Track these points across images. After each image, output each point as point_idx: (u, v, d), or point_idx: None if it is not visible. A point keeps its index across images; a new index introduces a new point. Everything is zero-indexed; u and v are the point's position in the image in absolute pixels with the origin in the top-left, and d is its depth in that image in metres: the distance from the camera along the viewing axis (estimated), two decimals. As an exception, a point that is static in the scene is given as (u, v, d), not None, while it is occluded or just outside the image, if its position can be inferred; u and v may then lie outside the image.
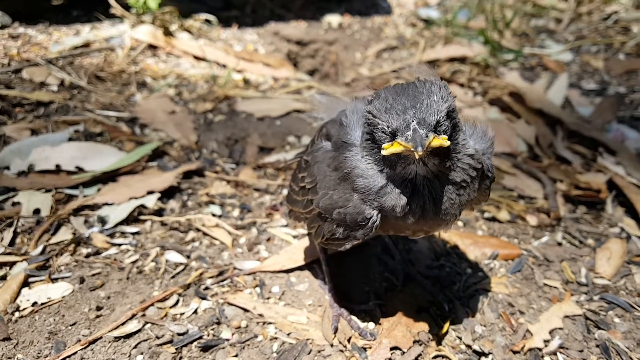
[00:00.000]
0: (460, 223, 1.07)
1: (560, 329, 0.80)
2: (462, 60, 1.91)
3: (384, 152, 0.59)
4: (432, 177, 0.62)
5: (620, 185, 1.11)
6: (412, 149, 0.55)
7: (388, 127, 0.59)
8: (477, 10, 2.33)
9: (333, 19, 2.40)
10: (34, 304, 0.84)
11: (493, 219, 1.09)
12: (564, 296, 0.86)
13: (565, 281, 0.90)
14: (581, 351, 0.76)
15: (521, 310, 0.84)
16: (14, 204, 1.05)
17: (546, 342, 0.77)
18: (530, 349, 0.76)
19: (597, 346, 0.77)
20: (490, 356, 0.76)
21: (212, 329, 0.80)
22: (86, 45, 1.84)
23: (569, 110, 1.51)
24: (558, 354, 0.76)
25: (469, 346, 0.77)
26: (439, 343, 0.77)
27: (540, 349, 0.76)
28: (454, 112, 0.62)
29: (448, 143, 0.58)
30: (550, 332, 0.79)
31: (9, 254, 0.92)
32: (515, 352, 0.76)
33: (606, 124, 1.40)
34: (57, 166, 1.16)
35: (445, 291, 0.87)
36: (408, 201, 0.62)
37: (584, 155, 1.30)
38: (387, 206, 0.63)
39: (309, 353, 0.76)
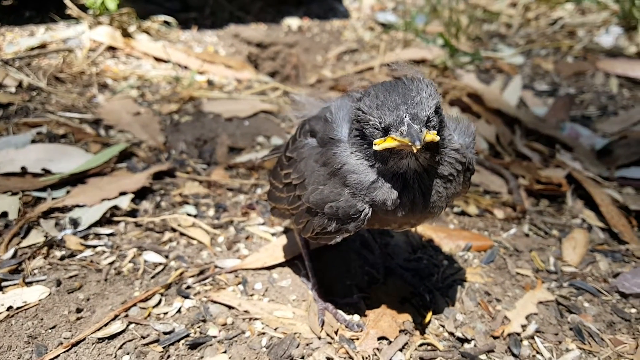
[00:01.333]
0: (431, 218, 1.10)
1: (536, 314, 0.84)
2: (422, 62, 1.96)
3: (376, 148, 0.61)
4: (422, 171, 0.64)
5: (579, 179, 1.17)
6: (409, 144, 0.56)
7: (380, 123, 0.60)
8: (432, 16, 2.40)
9: (292, 22, 2.42)
10: (9, 308, 0.81)
11: (463, 213, 1.13)
12: (536, 284, 0.91)
13: (536, 270, 0.95)
14: (556, 334, 0.80)
15: (497, 298, 0.87)
16: (-21, 207, 1.01)
17: (523, 327, 0.81)
18: (509, 334, 0.80)
19: (571, 329, 0.81)
20: (473, 342, 0.79)
21: (199, 327, 0.80)
22: (43, 46, 1.78)
23: (524, 110, 1.58)
24: (535, 337, 0.79)
25: (451, 333, 0.80)
26: (423, 332, 0.79)
27: (518, 334, 0.80)
28: (440, 108, 0.64)
29: (438, 138, 0.60)
30: (527, 318, 0.83)
31: (-20, 258, 0.89)
32: (495, 338, 0.79)
33: (560, 122, 1.47)
34: (23, 168, 1.13)
35: (424, 282, 0.90)
36: (399, 195, 0.64)
37: (541, 152, 1.37)
38: (378, 200, 0.65)
39: (298, 346, 0.77)
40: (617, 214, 1.06)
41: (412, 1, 2.82)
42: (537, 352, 0.77)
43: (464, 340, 0.79)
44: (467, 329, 0.80)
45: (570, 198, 1.16)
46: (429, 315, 0.82)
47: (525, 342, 0.79)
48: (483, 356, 0.76)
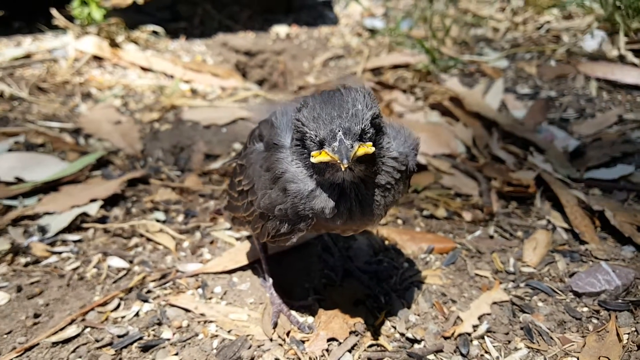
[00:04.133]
0: (399, 221, 1.11)
1: (489, 314, 0.84)
2: (406, 67, 1.97)
3: (312, 160, 0.62)
4: (358, 182, 0.65)
5: (547, 181, 1.17)
6: (338, 161, 0.58)
7: (316, 136, 0.61)
8: (420, 20, 2.41)
9: (281, 29, 2.44)
10: (-32, 314, 0.83)
11: (431, 216, 1.13)
12: (494, 285, 0.91)
13: (495, 271, 0.95)
14: (507, 334, 0.81)
15: (453, 299, 0.88)
16: (-51, 215, 1.03)
17: (475, 327, 0.82)
18: (460, 334, 0.80)
19: (522, 329, 0.81)
20: (423, 342, 0.79)
21: (153, 330, 0.81)
22: (28, 56, 1.82)
23: (503, 113, 1.58)
24: (485, 337, 0.80)
25: (402, 334, 0.80)
26: (374, 333, 0.80)
27: (469, 334, 0.80)
28: (378, 118, 0.65)
29: (373, 150, 0.61)
30: (479, 318, 0.83)
31: (-57, 265, 0.91)
32: (446, 338, 0.80)
33: (537, 125, 1.48)
34: (-5, 177, 1.15)
35: (382, 285, 0.91)
36: (336, 204, 0.65)
37: (517, 154, 1.37)
38: (316, 208, 0.66)
39: (249, 348, 0.78)
40: (581, 214, 1.06)
41: (403, 7, 2.84)
42: (486, 352, 0.78)
43: (414, 341, 0.79)
44: (418, 330, 0.81)
45: (539, 200, 1.16)
46: (382, 316, 0.83)
47: (475, 342, 0.79)
48: (432, 356, 0.77)
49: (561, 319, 0.83)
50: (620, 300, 0.85)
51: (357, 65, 2.08)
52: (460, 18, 2.48)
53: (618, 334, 0.77)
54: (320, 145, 0.61)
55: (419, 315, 0.85)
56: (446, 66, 1.92)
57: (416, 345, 0.79)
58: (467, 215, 1.13)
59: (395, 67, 1.99)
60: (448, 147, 1.44)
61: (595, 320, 0.83)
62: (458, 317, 0.84)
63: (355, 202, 0.66)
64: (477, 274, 0.94)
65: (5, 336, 0.79)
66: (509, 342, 0.79)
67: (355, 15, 2.71)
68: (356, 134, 0.60)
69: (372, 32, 2.41)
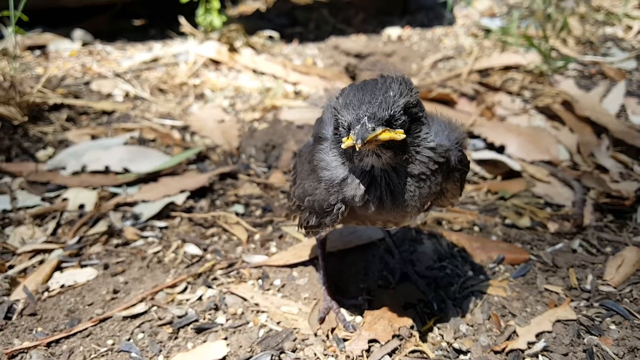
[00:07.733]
0: (476, 228, 1.07)
1: (549, 332, 0.78)
2: (516, 68, 1.87)
3: (342, 146, 0.63)
4: (389, 169, 0.65)
5: (652, 194, 1.06)
6: (353, 143, 0.58)
7: (345, 121, 0.62)
8: (542, 18, 2.27)
9: (393, 31, 2.43)
10: (62, 286, 0.94)
11: (512, 226, 1.07)
12: (563, 301, 0.84)
13: (569, 287, 0.88)
14: (566, 355, 0.74)
15: (513, 313, 0.83)
16: (63, 199, 1.18)
17: (530, 344, 0.76)
18: (511, 350, 0.75)
19: (584, 351, 0.74)
20: (469, 354, 0.76)
21: (210, 314, 0.86)
22: (155, 60, 2.00)
23: (622, 119, 1.44)
24: (540, 356, 0.74)
25: (449, 344, 0.78)
26: (420, 339, 0.78)
27: (522, 351, 0.75)
28: (415, 107, 0.64)
29: (402, 137, 0.61)
30: (537, 335, 0.77)
31: (50, 242, 1.04)
32: (496, 352, 0.76)
33: (657, 132, 1.33)
34: (106, 167, 1.29)
35: (439, 291, 0.88)
36: (366, 191, 0.65)
37: (625, 164, 1.24)
38: (347, 196, 0.67)
39: (294, 340, 0.80)
40: (685, 233, 0.94)
41: (527, 5, 2.68)
42: (538, 372, 0.72)
43: (459, 352, 0.76)
44: (466, 341, 0.77)
45: (639, 214, 1.05)
46: (430, 323, 0.81)
47: (527, 360, 0.74)
48: (475, 370, 0.73)
49: (634, 346, 0.74)
50: None
51: (466, 66, 2.01)
52: (591, 16, 2.30)
53: (695, 369, 0.68)
54: (349, 130, 0.62)
55: (471, 326, 0.81)
56: (558, 67, 1.79)
57: (461, 357, 0.75)
58: (553, 227, 1.05)
59: (506, 68, 1.90)
60: (548, 153, 1.35)
61: (675, 352, 0.73)
62: (514, 332, 0.79)
63: (386, 190, 0.65)
64: (546, 289, 0.88)
65: (87, 307, 0.89)
66: (566, 364, 0.73)
67: (474, 15, 2.62)
68: (382, 118, 0.60)
69: (487, 32, 2.31)
